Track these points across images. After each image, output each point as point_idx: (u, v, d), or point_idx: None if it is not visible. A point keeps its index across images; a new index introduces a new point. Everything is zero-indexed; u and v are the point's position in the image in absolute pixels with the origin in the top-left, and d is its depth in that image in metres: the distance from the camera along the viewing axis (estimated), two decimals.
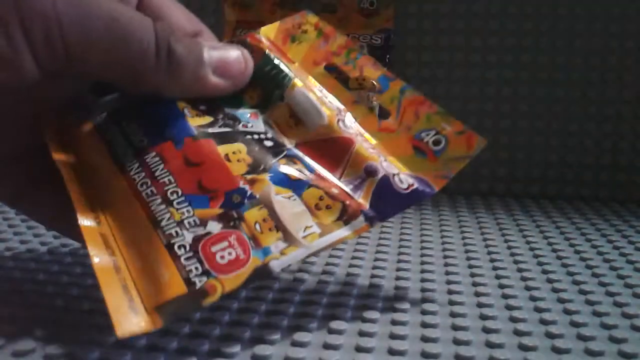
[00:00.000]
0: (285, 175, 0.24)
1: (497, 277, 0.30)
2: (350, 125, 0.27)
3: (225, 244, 0.22)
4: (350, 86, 0.46)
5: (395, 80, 0.28)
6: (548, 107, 0.48)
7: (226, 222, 0.23)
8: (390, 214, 0.25)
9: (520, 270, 0.31)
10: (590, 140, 0.48)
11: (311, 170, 0.25)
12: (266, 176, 0.24)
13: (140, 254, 0.23)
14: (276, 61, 0.27)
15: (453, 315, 0.26)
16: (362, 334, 0.24)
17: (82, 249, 0.32)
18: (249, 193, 0.24)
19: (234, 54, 0.26)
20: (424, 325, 0.25)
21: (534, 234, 0.38)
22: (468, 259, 0.33)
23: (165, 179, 0.24)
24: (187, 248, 0.22)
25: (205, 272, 0.22)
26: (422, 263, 0.32)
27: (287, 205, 0.24)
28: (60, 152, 0.25)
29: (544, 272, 0.31)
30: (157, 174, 0.24)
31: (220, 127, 0.25)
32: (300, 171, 0.25)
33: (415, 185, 0.25)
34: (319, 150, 0.26)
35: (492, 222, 0.40)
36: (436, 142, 0.26)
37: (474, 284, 0.29)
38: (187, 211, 0.23)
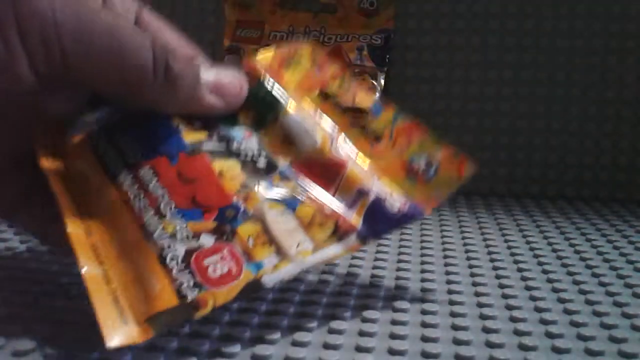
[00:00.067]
0: (278, 194, 0.25)
1: (497, 277, 0.30)
2: (344, 147, 0.27)
3: (218, 257, 0.22)
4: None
5: (389, 107, 0.29)
6: (548, 107, 0.48)
7: (219, 236, 0.23)
8: (382, 234, 0.26)
9: (520, 270, 0.31)
10: (590, 141, 0.48)
11: (304, 188, 0.25)
12: (260, 193, 0.24)
13: (132, 265, 0.23)
14: (270, 86, 0.27)
15: (453, 315, 0.26)
16: (362, 333, 0.24)
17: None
18: (242, 208, 0.24)
19: (229, 75, 0.26)
20: (424, 325, 0.25)
21: (534, 233, 0.38)
22: (468, 259, 0.33)
23: (159, 193, 0.24)
24: (180, 260, 0.22)
25: (197, 285, 0.22)
26: (422, 263, 0.32)
27: (280, 220, 0.24)
28: (50, 162, 0.25)
29: (544, 272, 0.31)
30: (150, 187, 0.24)
31: (214, 143, 0.25)
32: (293, 188, 0.25)
33: (407, 207, 0.26)
34: (312, 170, 0.26)
35: (492, 222, 0.40)
36: (427, 167, 0.27)
37: (474, 284, 0.29)
38: (180, 224, 0.23)
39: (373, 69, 0.47)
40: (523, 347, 0.23)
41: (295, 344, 0.23)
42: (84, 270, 0.22)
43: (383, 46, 0.48)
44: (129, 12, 0.26)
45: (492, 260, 0.33)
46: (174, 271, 0.22)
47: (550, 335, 0.24)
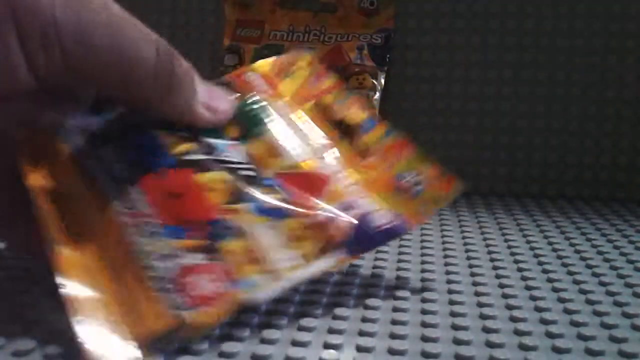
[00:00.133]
0: (265, 204, 0.25)
1: (497, 276, 0.30)
2: (330, 162, 0.27)
3: (205, 275, 0.22)
4: (350, 86, 0.47)
5: (381, 123, 0.29)
6: (548, 107, 0.48)
7: (206, 254, 0.23)
8: (369, 248, 0.27)
9: (520, 270, 0.31)
10: (590, 140, 0.48)
11: (291, 199, 0.25)
12: (246, 206, 0.24)
13: (119, 283, 0.22)
14: (257, 104, 0.27)
15: (453, 314, 0.26)
16: (362, 333, 0.24)
17: None
18: (228, 223, 0.24)
19: (219, 90, 0.26)
20: (424, 325, 0.25)
21: (534, 233, 0.38)
22: (468, 258, 0.33)
23: (145, 210, 0.24)
24: (166, 280, 0.22)
25: (184, 304, 0.21)
26: (423, 262, 0.32)
27: (267, 234, 0.24)
28: (36, 178, 0.24)
29: (544, 271, 0.31)
30: (137, 204, 0.24)
31: (200, 155, 0.25)
32: (279, 201, 0.25)
33: (393, 223, 0.26)
34: (297, 181, 0.26)
35: (492, 222, 0.40)
36: (415, 184, 0.28)
37: (474, 284, 0.29)
38: (166, 242, 0.23)
39: (373, 68, 0.47)
40: (523, 347, 0.23)
41: (295, 343, 0.23)
42: (66, 291, 0.22)
43: (383, 45, 0.48)
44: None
45: (492, 260, 0.33)
46: (161, 291, 0.22)
47: (550, 335, 0.24)
